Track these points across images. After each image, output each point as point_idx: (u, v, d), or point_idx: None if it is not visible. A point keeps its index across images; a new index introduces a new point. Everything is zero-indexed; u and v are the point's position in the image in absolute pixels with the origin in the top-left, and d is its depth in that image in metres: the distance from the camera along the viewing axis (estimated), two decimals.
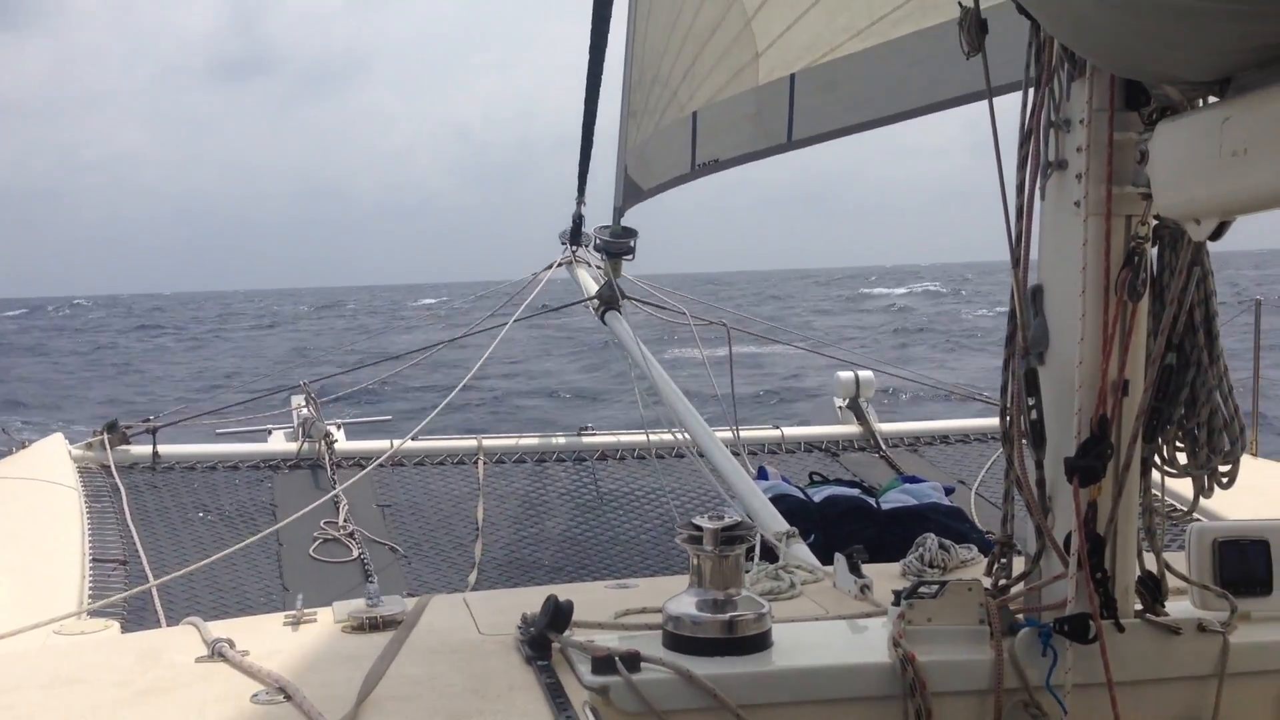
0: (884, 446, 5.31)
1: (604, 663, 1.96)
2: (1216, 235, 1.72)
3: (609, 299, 5.32)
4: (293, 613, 2.36)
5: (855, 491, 4.07)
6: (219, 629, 2.28)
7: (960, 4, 2.14)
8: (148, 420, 5.05)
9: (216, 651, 2.14)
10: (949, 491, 4.21)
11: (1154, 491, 2.20)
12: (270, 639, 2.24)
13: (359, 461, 4.77)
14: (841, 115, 4.10)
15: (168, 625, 3.19)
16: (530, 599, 2.22)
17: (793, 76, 4.19)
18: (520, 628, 2.18)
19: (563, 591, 2.20)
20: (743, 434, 5.12)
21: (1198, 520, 2.27)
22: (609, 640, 2.10)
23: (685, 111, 4.80)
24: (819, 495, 3.96)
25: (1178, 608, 2.16)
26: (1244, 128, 1.50)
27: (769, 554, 3.12)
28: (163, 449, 4.89)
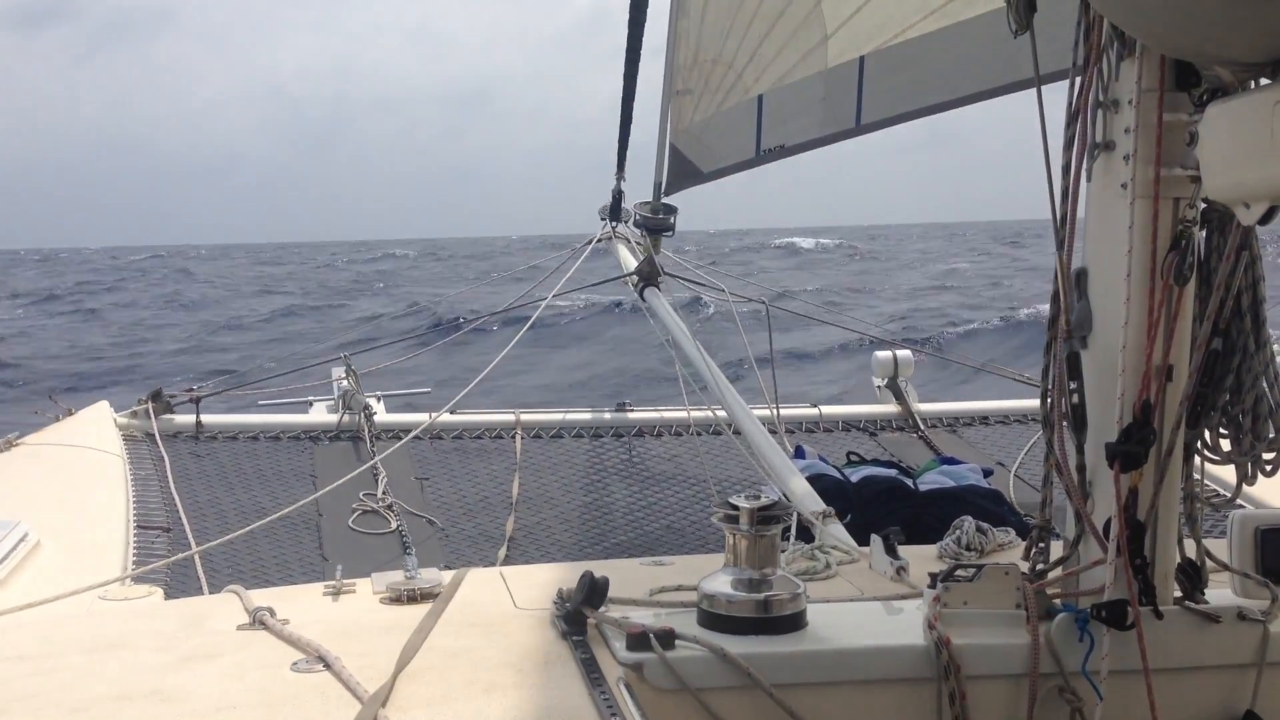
0: (922, 427, 5.28)
1: (639, 639, 1.98)
2: (1266, 219, 1.69)
3: (649, 275, 5.31)
4: (332, 583, 2.39)
5: (892, 472, 4.06)
6: (260, 597, 2.31)
7: None
8: (191, 390, 5.12)
9: (258, 619, 2.17)
10: (987, 474, 4.18)
11: (1194, 477, 2.18)
12: (310, 608, 2.27)
13: (398, 434, 4.81)
14: (912, 98, 4.05)
15: (209, 592, 3.24)
16: (566, 574, 2.23)
17: (862, 59, 4.14)
18: (556, 602, 2.20)
19: (598, 568, 2.21)
20: (781, 412, 5.11)
21: (1241, 507, 2.24)
22: (644, 617, 2.11)
23: (750, 94, 4.75)
24: (856, 475, 3.95)
25: (1218, 595, 2.14)
26: None
27: (805, 534, 3.12)
28: (206, 419, 4.96)
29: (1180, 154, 1.93)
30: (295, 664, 1.97)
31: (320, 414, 5.34)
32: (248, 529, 3.48)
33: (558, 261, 6.19)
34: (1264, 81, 1.66)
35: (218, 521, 4.04)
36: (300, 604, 2.29)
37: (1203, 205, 2.01)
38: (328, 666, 1.94)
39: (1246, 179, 1.63)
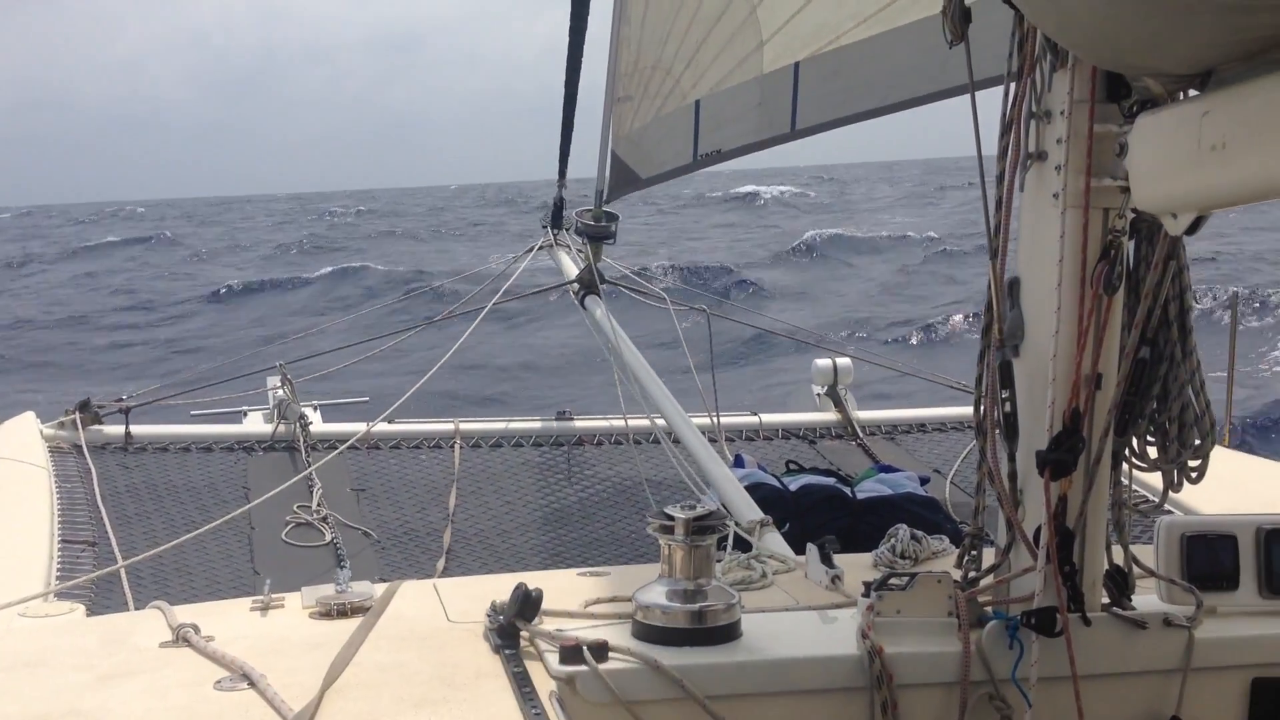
0: (861, 434, 5.31)
1: (572, 652, 1.96)
2: (1193, 229, 1.71)
3: (589, 283, 5.29)
4: (260, 598, 2.34)
5: (831, 481, 4.06)
6: (185, 613, 2.26)
7: None
8: (121, 400, 5.01)
9: (181, 636, 2.12)
10: (924, 481, 4.21)
11: (1122, 484, 2.21)
12: (237, 624, 2.22)
13: (334, 444, 4.73)
14: (846, 103, 4.07)
15: (136, 609, 3.16)
16: (501, 586, 2.20)
17: (797, 65, 4.16)
18: (489, 615, 2.17)
19: (534, 579, 2.19)
20: (721, 420, 5.12)
21: (1168, 513, 2.27)
22: (578, 629, 2.09)
23: (688, 100, 4.75)
24: (795, 484, 3.95)
25: (1145, 601, 2.16)
26: (1223, 122, 1.49)
27: (743, 543, 3.12)
28: (135, 429, 4.85)
29: (1110, 164, 1.96)
30: (219, 682, 1.93)
31: (255, 424, 5.25)
32: (176, 542, 3.41)
33: (502, 265, 6.14)
34: (1192, 93, 1.68)
35: (145, 535, 3.95)
36: (227, 620, 2.24)
37: (1132, 215, 2.03)
38: (252, 684, 1.90)
39: (1174, 190, 1.65)
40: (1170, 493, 2.23)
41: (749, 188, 51.75)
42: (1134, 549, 2.18)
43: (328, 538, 4.01)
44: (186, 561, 3.73)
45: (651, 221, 40.69)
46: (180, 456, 4.75)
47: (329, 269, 29.80)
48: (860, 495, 3.90)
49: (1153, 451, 2.19)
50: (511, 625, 2.09)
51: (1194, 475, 2.18)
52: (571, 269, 5.56)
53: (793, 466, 4.51)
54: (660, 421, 4.48)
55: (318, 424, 5.12)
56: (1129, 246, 2.08)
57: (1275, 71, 1.41)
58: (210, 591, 3.55)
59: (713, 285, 22.55)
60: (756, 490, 3.71)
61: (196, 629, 2.14)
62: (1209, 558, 2.20)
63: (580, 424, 5.24)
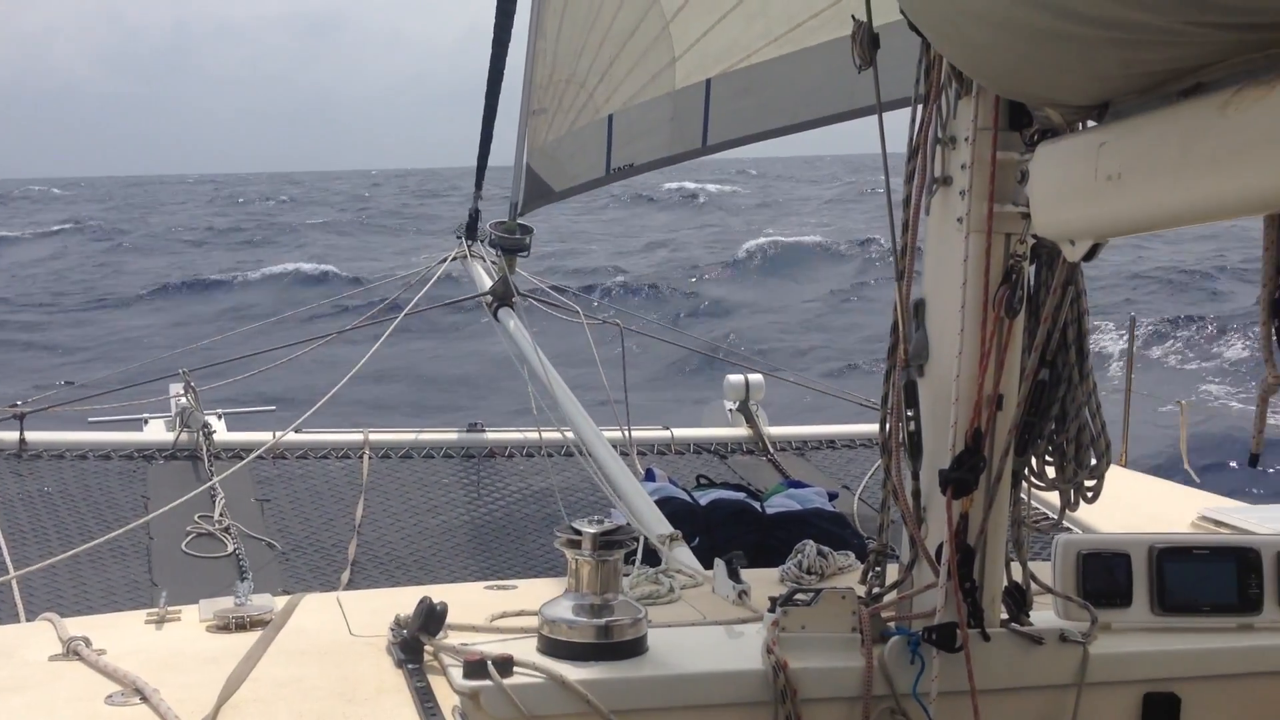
0: (772, 450, 5.36)
1: (476, 667, 1.94)
2: (1090, 256, 1.76)
3: (503, 295, 5.27)
4: (155, 610, 2.29)
5: (741, 495, 4.10)
6: (77, 626, 2.20)
7: (854, 18, 2.16)
8: (15, 405, 4.85)
9: (71, 649, 2.06)
10: (833, 497, 4.26)
11: (1024, 500, 2.26)
12: (130, 637, 2.16)
13: (239, 453, 4.64)
14: (756, 121, 4.12)
15: (27, 621, 3.06)
16: (405, 599, 2.18)
17: (709, 81, 4.20)
18: (393, 629, 2.14)
19: (440, 592, 2.17)
20: (633, 434, 5.12)
21: (1067, 530, 2.33)
22: (484, 644, 2.07)
23: (601, 114, 4.77)
24: (705, 498, 3.97)
25: (1042, 618, 2.21)
26: (1119, 153, 1.54)
27: (653, 557, 3.12)
28: (30, 436, 4.70)
29: (1012, 191, 2.01)
30: (110, 696, 1.88)
31: (156, 432, 5.12)
32: (71, 553, 3.31)
33: (415, 276, 6.08)
34: (1090, 124, 1.73)
35: (39, 546, 3.83)
36: (120, 633, 2.18)
37: (1033, 241, 2.08)
38: (145, 699, 1.85)
39: (1072, 217, 1.69)
40: (1068, 511, 2.28)
41: (685, 184, 50.82)
42: (1032, 566, 2.23)
43: (230, 549, 3.92)
44: (82, 573, 3.62)
45: (585, 224, 40.15)
46: (77, 464, 4.61)
47: (257, 274, 28.74)
48: (770, 510, 3.93)
49: (1051, 471, 2.24)
50: (415, 639, 2.06)
51: (1090, 495, 2.24)
52: (485, 280, 5.54)
53: (703, 481, 4.53)
54: (571, 434, 4.47)
55: (222, 433, 5.01)
56: (1030, 271, 2.13)
57: (1166, 106, 1.45)
58: (107, 604, 3.46)
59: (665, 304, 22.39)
60: (667, 504, 3.73)
61: (88, 642, 2.07)
62: (1104, 575, 2.26)
63: (492, 436, 5.21)
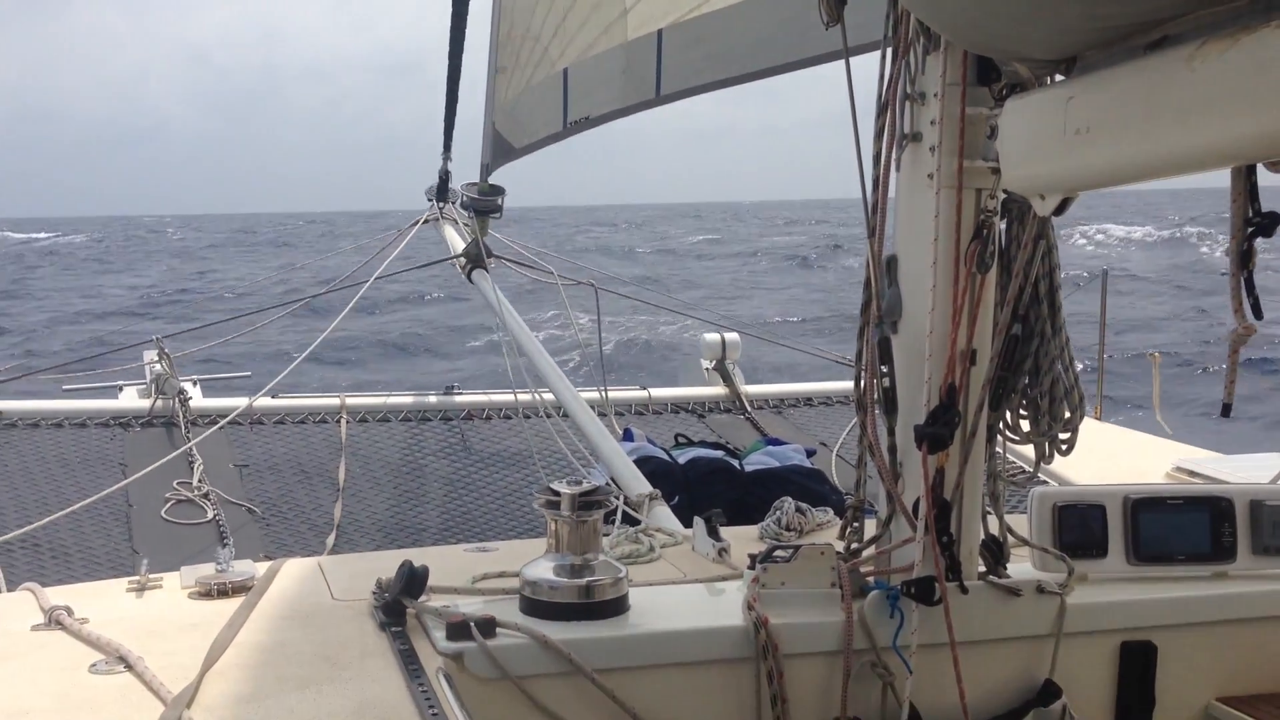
0: (749, 408, 5.38)
1: (458, 628, 1.95)
2: (1060, 210, 1.77)
3: (476, 257, 5.25)
4: (137, 578, 2.29)
5: (719, 454, 4.12)
6: (59, 595, 2.20)
7: None
8: None
9: (54, 619, 2.06)
10: (811, 454, 4.29)
11: (999, 454, 2.28)
12: (113, 606, 2.17)
13: (215, 419, 4.63)
14: (709, 70, 4.10)
15: (7, 591, 3.06)
16: (387, 563, 2.19)
17: (660, 32, 4.17)
18: (375, 593, 2.15)
19: (421, 555, 2.18)
20: (610, 394, 5.13)
21: (1041, 484, 2.35)
22: (466, 605, 2.09)
23: (557, 68, 4.74)
24: (683, 457, 3.99)
25: (1019, 570, 2.24)
26: (1086, 107, 1.54)
27: (631, 517, 3.14)
28: (4, 405, 4.68)
29: (982, 146, 2.01)
30: (94, 665, 1.88)
31: (131, 399, 5.10)
32: (48, 519, 3.30)
33: (384, 241, 6.05)
34: (1058, 78, 1.73)
35: (17, 514, 3.82)
36: (102, 601, 2.18)
37: (1003, 196, 2.09)
38: (129, 667, 1.85)
39: (1041, 172, 1.70)
40: (1043, 464, 2.31)
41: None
42: (1008, 519, 2.26)
43: (210, 515, 3.92)
44: (62, 542, 3.62)
45: None
46: (53, 433, 4.60)
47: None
48: (748, 468, 3.95)
49: (1025, 425, 2.26)
50: (397, 602, 2.07)
51: (1064, 447, 2.26)
52: (458, 243, 5.51)
53: (681, 440, 4.55)
54: (549, 396, 4.48)
55: (198, 399, 4.99)
56: (1000, 226, 2.13)
57: (1132, 59, 1.46)
58: (87, 572, 3.45)
59: None
60: (645, 464, 3.74)
61: (70, 611, 2.08)
62: (1079, 527, 2.29)
63: (467, 399, 5.21)
